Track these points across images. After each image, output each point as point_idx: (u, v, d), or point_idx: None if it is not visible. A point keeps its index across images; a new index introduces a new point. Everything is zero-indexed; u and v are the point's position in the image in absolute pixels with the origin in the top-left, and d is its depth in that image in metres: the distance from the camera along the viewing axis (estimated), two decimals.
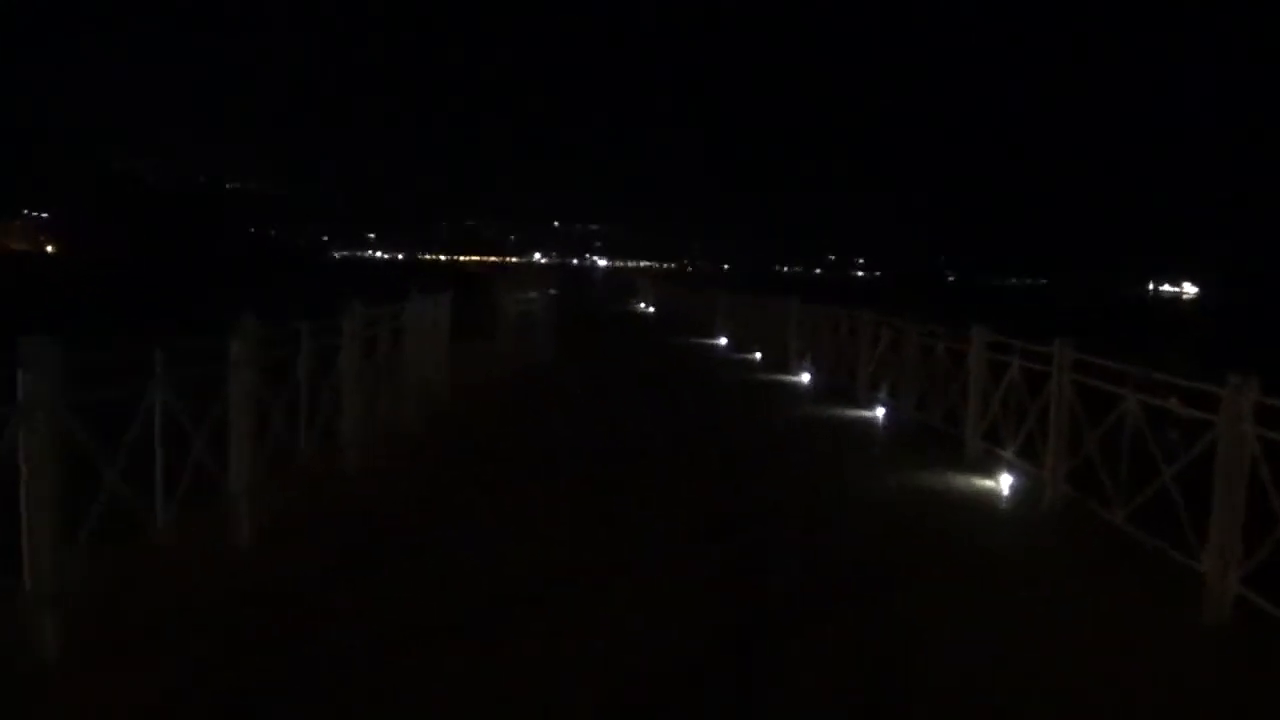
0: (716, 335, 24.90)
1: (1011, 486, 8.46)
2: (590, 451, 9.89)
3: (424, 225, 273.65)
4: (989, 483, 8.79)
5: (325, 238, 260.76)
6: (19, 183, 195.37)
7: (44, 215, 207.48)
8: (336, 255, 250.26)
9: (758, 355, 20.22)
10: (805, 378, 16.33)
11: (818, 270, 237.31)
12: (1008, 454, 8.88)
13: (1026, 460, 8.50)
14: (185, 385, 5.47)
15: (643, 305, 43.40)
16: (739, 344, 22.46)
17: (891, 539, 7.11)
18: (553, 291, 52.11)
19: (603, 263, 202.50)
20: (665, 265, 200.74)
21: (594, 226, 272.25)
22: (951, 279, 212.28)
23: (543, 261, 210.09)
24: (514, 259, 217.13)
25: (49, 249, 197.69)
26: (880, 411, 12.70)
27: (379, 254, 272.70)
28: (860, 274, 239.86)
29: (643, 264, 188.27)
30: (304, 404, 7.34)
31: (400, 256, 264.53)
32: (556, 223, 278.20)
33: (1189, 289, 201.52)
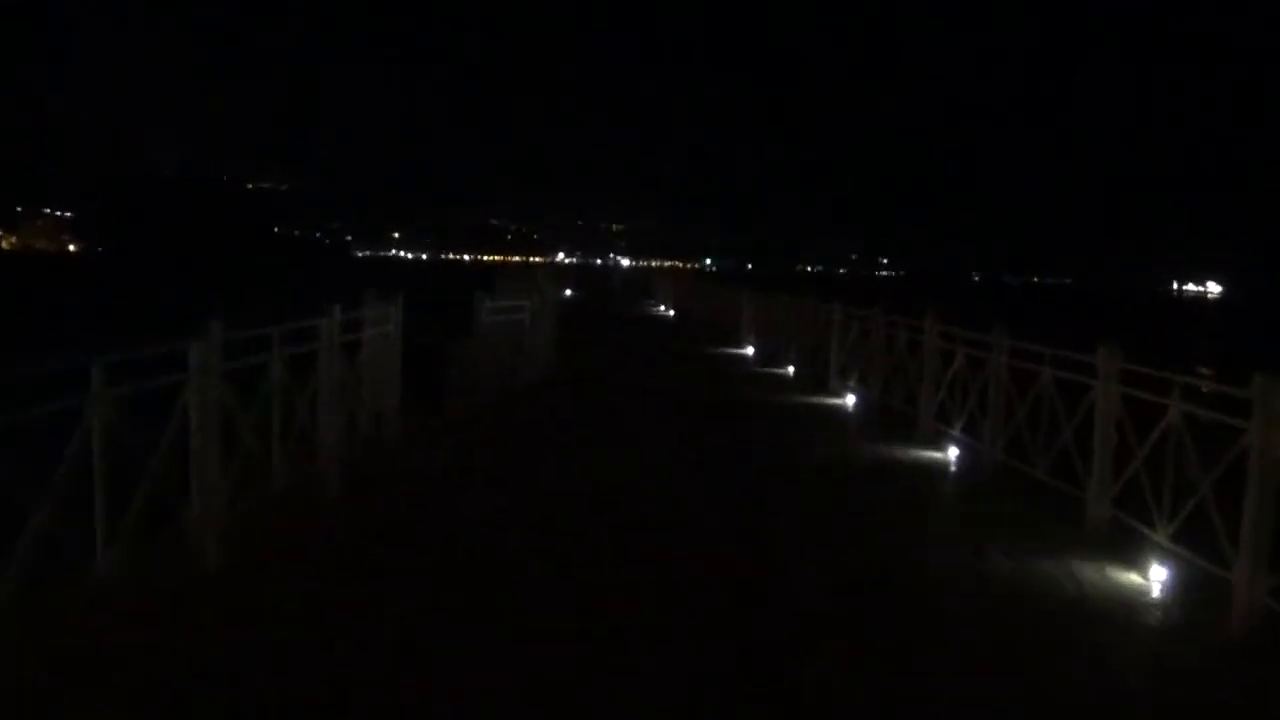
0: (742, 343, 21.98)
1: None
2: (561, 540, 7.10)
3: (448, 224, 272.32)
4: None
5: (349, 237, 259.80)
6: (41, 182, 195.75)
7: (68, 214, 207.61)
8: (359, 254, 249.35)
9: (790, 370, 17.35)
10: (850, 401, 13.46)
11: (841, 270, 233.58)
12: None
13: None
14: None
15: (662, 308, 40.53)
16: (768, 355, 19.58)
17: None
18: (569, 293, 49.93)
19: (626, 262, 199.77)
20: (688, 265, 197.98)
21: (616, 226, 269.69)
22: (976, 279, 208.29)
23: (566, 261, 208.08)
24: (537, 258, 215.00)
25: (71, 248, 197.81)
26: (953, 453, 9.87)
27: (403, 253, 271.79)
28: (885, 273, 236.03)
29: (666, 263, 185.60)
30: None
31: (424, 256, 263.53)
32: (580, 222, 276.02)
33: (1213, 287, 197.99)
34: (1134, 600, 5.97)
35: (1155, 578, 6.20)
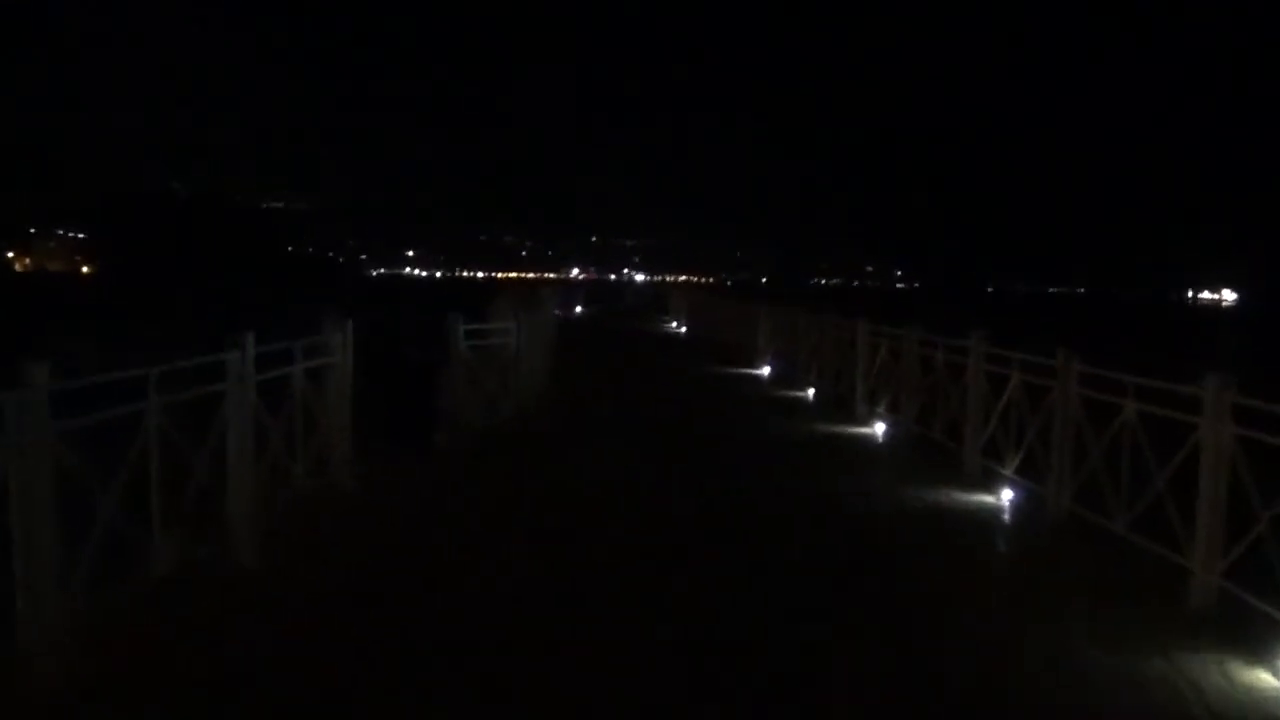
0: (757, 363, 20.45)
1: None
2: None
3: (463, 241, 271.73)
4: None
5: (363, 256, 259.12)
6: (54, 203, 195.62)
7: (81, 236, 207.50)
8: (374, 273, 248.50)
9: (810, 392, 15.82)
10: (879, 430, 11.94)
11: (855, 282, 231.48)
12: None
13: None
14: None
15: (674, 324, 38.98)
16: (786, 375, 18.06)
17: None
18: (580, 309, 48.42)
19: (641, 277, 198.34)
20: (704, 279, 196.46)
21: (631, 241, 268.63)
22: (990, 290, 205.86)
23: (581, 276, 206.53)
24: (552, 274, 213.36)
25: (85, 269, 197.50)
26: (1007, 498, 8.35)
27: (417, 271, 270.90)
28: (900, 285, 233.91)
29: (682, 278, 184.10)
30: None
31: (439, 274, 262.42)
32: (594, 238, 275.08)
33: (1228, 296, 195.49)
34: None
35: None
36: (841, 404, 14.02)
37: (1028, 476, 8.32)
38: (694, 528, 7.53)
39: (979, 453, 9.27)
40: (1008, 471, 8.61)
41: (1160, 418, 6.63)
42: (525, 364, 12.43)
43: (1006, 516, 8.10)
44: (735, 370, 20.13)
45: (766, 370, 19.51)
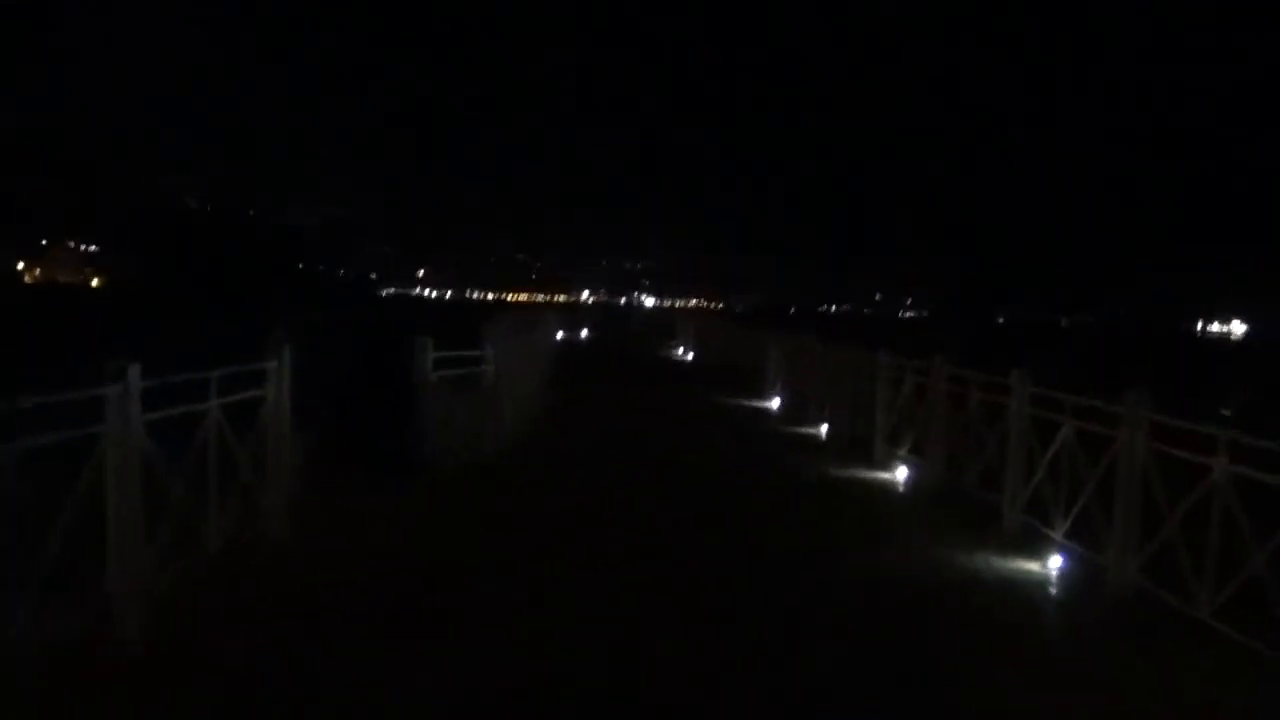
0: (767, 395, 19.24)
1: None
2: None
3: (476, 263, 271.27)
4: None
5: (373, 275, 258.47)
6: (68, 215, 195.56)
7: (93, 248, 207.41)
8: (384, 293, 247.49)
9: (822, 430, 14.62)
10: (901, 476, 10.74)
11: (866, 310, 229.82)
12: None
13: None
14: None
15: (680, 350, 37.74)
16: (796, 409, 16.86)
17: None
18: (585, 334, 47.20)
19: (650, 301, 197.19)
20: (713, 304, 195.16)
21: (641, 264, 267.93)
22: (1001, 320, 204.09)
23: (590, 299, 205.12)
24: (562, 296, 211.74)
25: (94, 282, 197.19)
26: (1056, 565, 7.16)
27: (428, 291, 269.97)
28: (909, 314, 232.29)
29: (691, 302, 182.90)
30: None
31: (449, 294, 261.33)
32: (604, 261, 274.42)
33: (1238, 327, 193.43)
34: None
35: None
36: (858, 444, 12.82)
37: (1083, 542, 7.12)
38: (687, 617, 6.33)
39: (1022, 511, 8.07)
40: (1058, 535, 7.40)
41: (1251, 481, 5.48)
42: (509, 395, 11.25)
43: (1055, 588, 6.90)
44: (743, 402, 18.93)
45: (776, 403, 18.32)
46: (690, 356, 34.26)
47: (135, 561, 4.92)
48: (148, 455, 5.03)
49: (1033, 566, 7.31)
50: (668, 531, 8.16)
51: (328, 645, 5.20)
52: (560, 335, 44.51)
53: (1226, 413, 18.71)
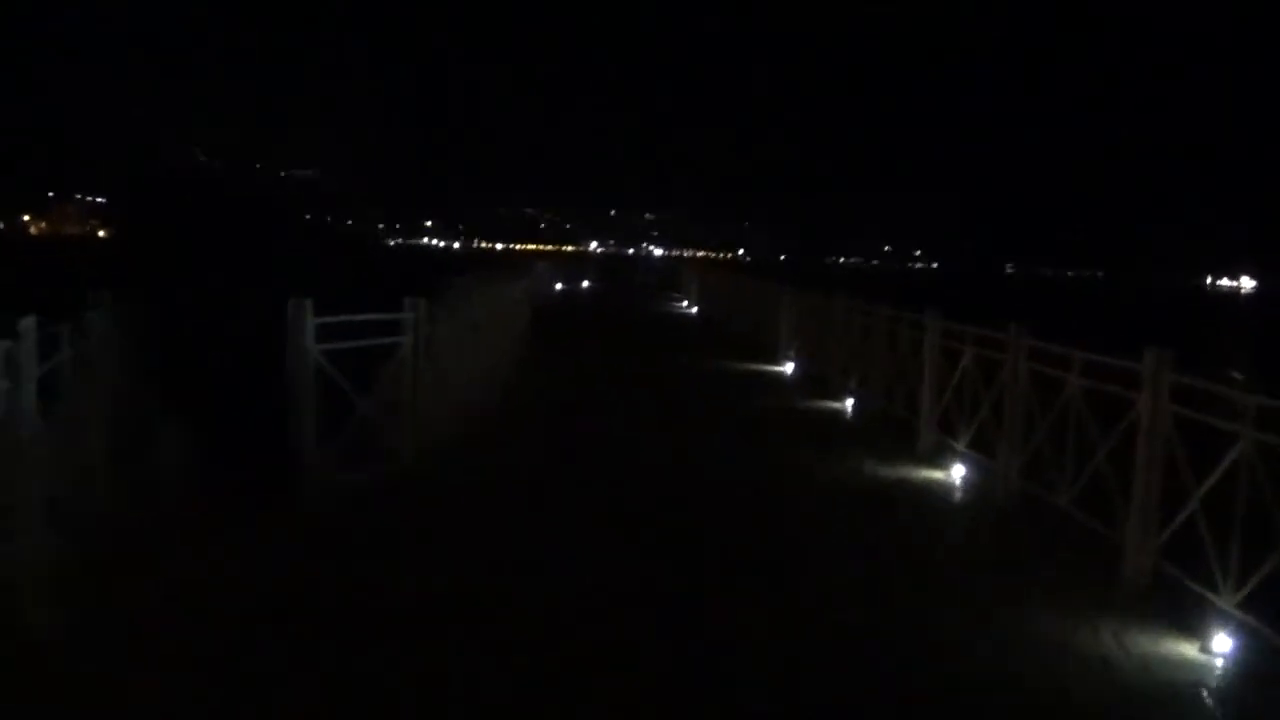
0: (779, 358, 16.63)
1: None
2: None
3: (482, 214, 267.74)
4: None
5: (380, 225, 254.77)
6: (75, 168, 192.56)
7: (99, 200, 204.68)
8: (390, 243, 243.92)
9: (848, 405, 12.06)
10: (957, 476, 8.20)
11: (874, 261, 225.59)
12: None
13: None
14: None
15: (684, 304, 35.00)
16: (813, 377, 14.29)
17: None
18: (587, 284, 44.57)
19: (658, 252, 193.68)
20: (722, 255, 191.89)
21: (649, 215, 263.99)
22: (1010, 271, 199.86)
23: (599, 250, 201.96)
24: (570, 247, 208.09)
25: (100, 234, 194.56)
26: (1223, 645, 4.64)
27: (436, 242, 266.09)
28: (918, 265, 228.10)
29: (699, 254, 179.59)
30: None
31: (456, 245, 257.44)
32: (613, 212, 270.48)
33: (1247, 283, 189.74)
34: None
35: None
36: (895, 425, 10.27)
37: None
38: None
39: (1159, 550, 5.51)
40: (1225, 601, 4.87)
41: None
42: (451, 375, 8.65)
43: (1225, 668, 4.38)
44: (752, 367, 16.33)
45: (789, 368, 15.74)
46: (695, 310, 31.62)
47: None
48: None
49: (1191, 654, 4.77)
50: (653, 583, 5.63)
51: None
52: (559, 287, 41.87)
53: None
